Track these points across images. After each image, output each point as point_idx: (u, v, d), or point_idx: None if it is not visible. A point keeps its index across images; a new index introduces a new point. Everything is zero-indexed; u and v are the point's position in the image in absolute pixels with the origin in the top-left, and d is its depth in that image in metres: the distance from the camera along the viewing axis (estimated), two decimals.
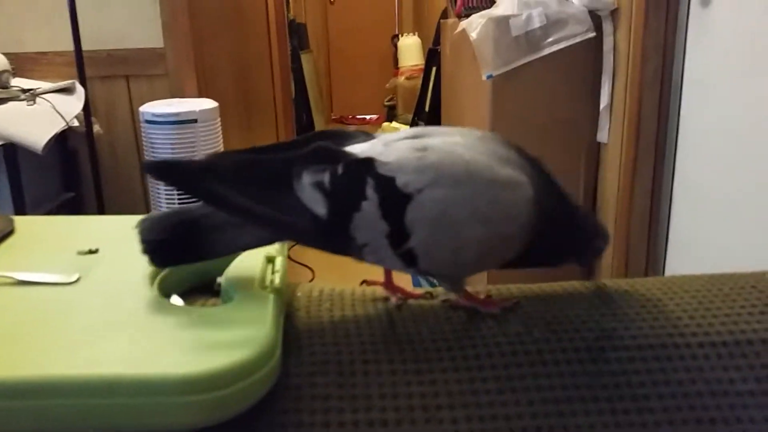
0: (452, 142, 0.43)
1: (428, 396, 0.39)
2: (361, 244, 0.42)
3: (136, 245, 0.51)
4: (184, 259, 0.44)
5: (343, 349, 0.42)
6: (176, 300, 0.46)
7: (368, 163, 0.41)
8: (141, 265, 0.47)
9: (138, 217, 0.58)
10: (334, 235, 0.41)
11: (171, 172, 0.41)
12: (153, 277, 0.46)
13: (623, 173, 1.48)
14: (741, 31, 1.13)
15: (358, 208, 0.40)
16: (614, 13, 1.54)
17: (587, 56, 1.60)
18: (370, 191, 0.40)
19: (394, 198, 0.40)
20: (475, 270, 0.45)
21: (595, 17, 1.57)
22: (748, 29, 1.11)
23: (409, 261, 0.42)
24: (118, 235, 0.53)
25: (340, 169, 0.41)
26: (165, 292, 0.46)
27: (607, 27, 1.55)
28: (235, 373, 0.34)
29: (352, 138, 0.46)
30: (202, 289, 0.50)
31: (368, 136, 0.46)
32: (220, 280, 0.47)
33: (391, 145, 0.43)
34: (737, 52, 1.14)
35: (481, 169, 0.42)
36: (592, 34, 1.57)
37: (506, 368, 0.41)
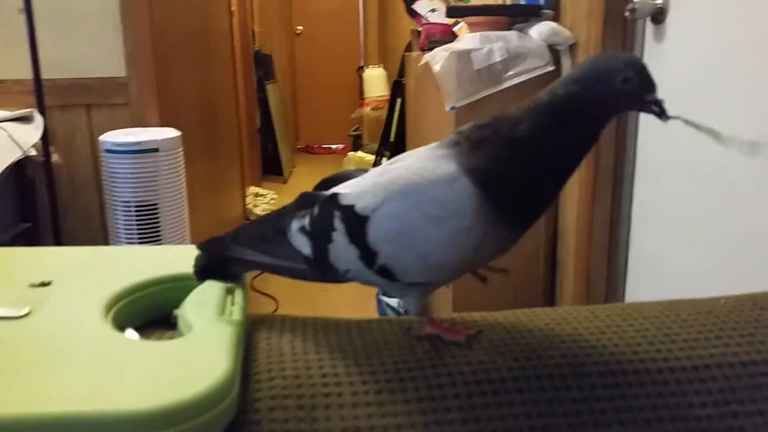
0: (410, 160, 0.46)
1: (391, 428, 0.38)
2: (343, 271, 0.46)
3: (90, 277, 0.50)
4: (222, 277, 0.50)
5: (304, 382, 0.41)
6: (131, 334, 0.45)
7: (334, 197, 0.46)
8: (95, 298, 0.46)
9: (92, 248, 0.56)
10: (322, 269, 0.46)
11: (209, 244, 0.50)
12: (107, 311, 0.45)
13: (583, 202, 1.51)
14: (693, 64, 1.18)
15: (331, 240, 0.45)
16: (572, 48, 1.58)
17: (545, 87, 1.64)
18: (337, 222, 0.45)
19: (356, 223, 0.44)
20: (458, 270, 0.45)
21: (554, 51, 1.61)
22: (700, 63, 1.16)
23: (388, 276, 0.45)
24: (72, 267, 0.52)
25: (315, 210, 0.47)
26: (119, 325, 0.44)
27: (566, 61, 1.59)
28: (192, 408, 0.33)
29: (349, 177, 0.50)
30: (158, 322, 0.48)
31: (362, 173, 0.50)
32: (176, 312, 0.46)
33: (365, 177, 0.48)
34: (690, 84, 1.18)
35: (422, 174, 0.44)
36: (551, 68, 1.61)
37: (470, 397, 0.41)
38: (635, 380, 0.43)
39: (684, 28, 1.22)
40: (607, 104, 0.44)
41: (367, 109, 4.80)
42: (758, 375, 0.43)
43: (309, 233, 0.46)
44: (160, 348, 0.40)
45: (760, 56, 0.99)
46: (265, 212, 4.17)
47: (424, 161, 0.45)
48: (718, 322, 0.47)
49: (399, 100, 3.31)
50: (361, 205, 0.44)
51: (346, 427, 0.38)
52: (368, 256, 0.44)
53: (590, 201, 1.51)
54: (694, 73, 1.18)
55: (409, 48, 3.04)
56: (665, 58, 1.28)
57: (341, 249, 0.45)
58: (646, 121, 1.37)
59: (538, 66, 1.62)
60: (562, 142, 0.43)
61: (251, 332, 0.47)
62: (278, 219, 0.49)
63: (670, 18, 1.25)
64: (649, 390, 0.42)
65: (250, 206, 3.96)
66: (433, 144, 0.47)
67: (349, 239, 0.45)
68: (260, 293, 2.76)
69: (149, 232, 1.56)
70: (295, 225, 0.47)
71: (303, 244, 0.46)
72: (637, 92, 0.44)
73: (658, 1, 1.27)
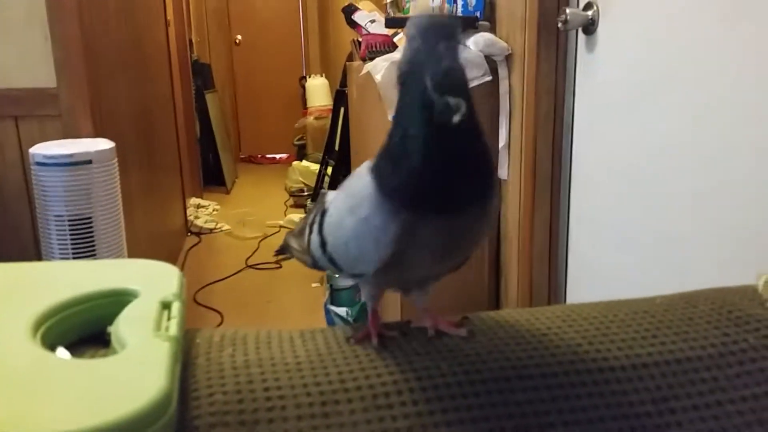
0: None
1: None
2: (317, 259, 0.51)
3: (18, 295, 0.47)
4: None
5: (246, 397, 0.40)
6: (62, 353, 0.43)
7: (324, 194, 0.53)
8: (23, 316, 0.43)
9: (21, 264, 0.53)
10: (311, 258, 0.53)
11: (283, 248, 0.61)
12: (35, 329, 0.42)
13: (523, 208, 1.55)
14: (623, 73, 1.23)
15: (311, 231, 0.52)
16: (509, 58, 1.62)
17: (485, 99, 1.67)
18: (318, 215, 0.51)
19: (322, 214, 0.50)
20: (382, 262, 0.45)
21: (491, 62, 1.64)
22: (630, 71, 1.20)
23: (335, 264, 0.49)
24: None
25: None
26: (49, 344, 0.42)
27: (503, 71, 1.63)
28: (126, 428, 0.32)
29: None
30: (91, 340, 0.46)
31: None
32: (109, 329, 0.44)
33: None
34: (619, 93, 1.23)
35: (359, 169, 0.47)
36: (489, 78, 1.64)
37: (415, 405, 0.41)
38: (577, 380, 0.43)
39: (613, 38, 1.26)
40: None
41: (310, 119, 4.78)
42: (692, 371, 0.45)
43: (308, 227, 0.53)
44: (91, 366, 0.38)
45: (686, 65, 1.04)
46: (207, 224, 4.07)
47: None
48: (654, 321, 0.49)
49: (342, 109, 3.31)
50: (328, 198, 0.51)
51: None
52: (323, 245, 0.49)
53: (530, 208, 1.54)
54: (624, 81, 1.22)
55: (350, 57, 3.05)
56: (597, 67, 1.33)
57: (314, 238, 0.51)
58: (580, 128, 1.42)
59: (476, 76, 1.65)
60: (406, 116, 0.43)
61: (189, 348, 0.45)
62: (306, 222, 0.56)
63: (600, 29, 1.30)
64: (591, 390, 0.43)
65: (191, 218, 3.87)
66: None
67: (317, 229, 0.50)
68: (204, 307, 2.70)
69: (84, 246, 1.50)
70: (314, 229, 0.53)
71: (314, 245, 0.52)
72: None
73: (588, 13, 1.32)
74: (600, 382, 0.43)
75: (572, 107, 1.43)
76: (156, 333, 0.41)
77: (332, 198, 0.50)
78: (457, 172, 0.42)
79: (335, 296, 2.53)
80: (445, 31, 0.40)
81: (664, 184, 1.10)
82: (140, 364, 0.37)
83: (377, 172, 0.44)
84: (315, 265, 0.53)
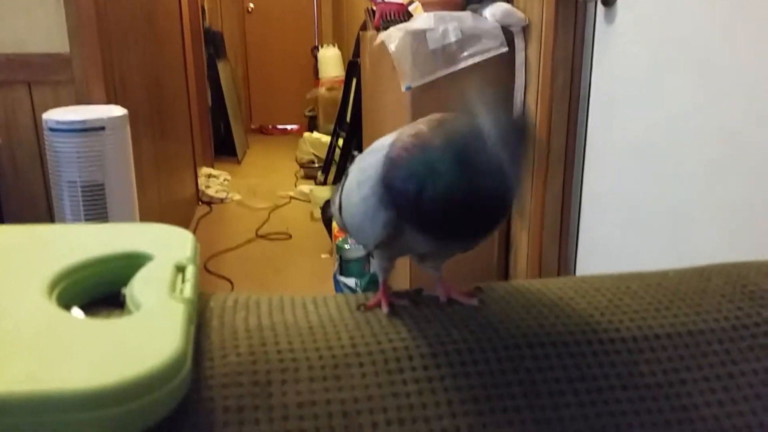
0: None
1: (347, 402, 0.38)
2: (340, 221, 0.52)
3: (33, 256, 0.48)
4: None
5: (260, 359, 0.40)
6: (77, 313, 0.43)
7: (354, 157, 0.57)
8: (38, 276, 0.43)
9: (36, 226, 0.54)
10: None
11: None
12: (51, 290, 0.43)
13: (535, 183, 1.54)
14: (641, 45, 1.20)
15: (338, 192, 0.52)
16: (525, 29, 1.59)
17: (500, 70, 1.65)
18: (344, 179, 0.51)
19: (343, 180, 0.50)
20: (379, 241, 0.46)
21: (507, 33, 1.62)
22: (648, 44, 1.18)
23: (347, 230, 0.50)
24: (14, 246, 0.49)
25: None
26: (64, 304, 0.42)
27: (519, 42, 1.61)
28: (141, 386, 0.32)
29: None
30: (105, 302, 0.47)
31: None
32: (124, 290, 0.45)
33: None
34: (637, 66, 1.21)
35: (375, 144, 0.47)
36: (505, 49, 1.62)
37: (426, 370, 0.41)
38: (588, 350, 0.43)
39: (632, 11, 1.24)
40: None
41: (322, 90, 4.76)
42: (704, 343, 0.45)
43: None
44: (107, 326, 0.38)
45: (706, 37, 1.02)
46: (218, 193, 4.09)
47: (398, 132, 0.46)
48: (667, 294, 0.48)
49: (354, 80, 3.28)
50: (350, 166, 0.50)
51: (303, 402, 0.38)
52: (340, 208, 0.50)
53: (542, 183, 1.53)
54: (643, 54, 1.20)
55: (363, 27, 3.01)
56: (615, 40, 1.31)
57: (337, 199, 0.51)
58: (595, 102, 1.40)
59: (492, 47, 1.63)
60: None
61: (203, 311, 0.46)
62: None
63: (620, 0, 1.27)
64: (602, 359, 0.43)
65: (202, 188, 3.89)
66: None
67: (339, 191, 0.50)
68: (215, 275, 2.72)
69: (96, 212, 1.51)
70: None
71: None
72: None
73: None
74: (611, 352, 0.43)
75: (589, 80, 1.41)
76: (171, 295, 0.42)
77: (354, 163, 0.50)
78: (470, 223, 0.42)
79: (344, 267, 2.55)
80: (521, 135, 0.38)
81: (678, 160, 1.09)
82: (155, 325, 0.37)
83: (388, 165, 0.42)
84: (343, 226, 0.53)
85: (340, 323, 0.45)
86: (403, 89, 1.66)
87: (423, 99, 1.66)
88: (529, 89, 1.57)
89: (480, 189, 0.39)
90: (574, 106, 1.46)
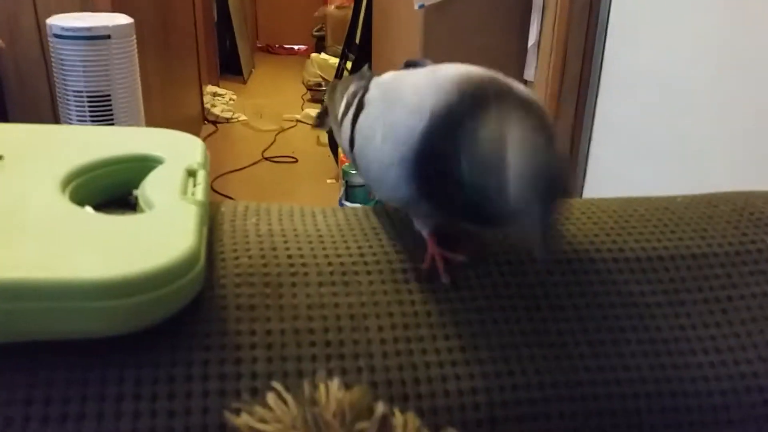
0: (426, 71, 0.44)
1: (355, 305, 0.39)
2: (343, 147, 0.49)
3: (45, 154, 0.48)
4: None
5: (270, 262, 0.41)
6: (90, 211, 0.44)
7: (371, 80, 0.48)
8: (51, 173, 0.44)
9: (47, 126, 0.54)
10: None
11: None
12: (64, 187, 0.43)
13: (548, 107, 1.52)
14: None
15: (345, 114, 0.48)
16: None
17: None
18: (355, 102, 0.47)
19: (359, 108, 0.45)
20: (387, 196, 0.45)
21: None
22: None
23: (357, 167, 0.46)
24: (25, 143, 0.49)
25: (359, 85, 0.49)
26: (77, 202, 0.43)
27: None
28: (154, 279, 0.33)
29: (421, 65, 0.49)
30: (116, 203, 0.47)
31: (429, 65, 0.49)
32: (136, 192, 0.45)
33: (411, 72, 0.46)
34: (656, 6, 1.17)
35: (408, 91, 0.42)
36: None
37: (430, 281, 0.42)
38: (591, 268, 0.44)
39: None
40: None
41: (331, 8, 4.61)
42: (706, 267, 0.45)
43: (346, 103, 0.48)
44: (122, 222, 0.39)
45: None
46: (224, 113, 4.05)
47: (424, 82, 0.41)
48: (673, 218, 0.49)
49: None
50: (369, 95, 0.45)
51: (312, 304, 0.39)
52: (351, 143, 0.46)
53: (554, 112, 1.51)
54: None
55: None
56: None
57: (344, 126, 0.47)
58: (614, 28, 1.36)
59: None
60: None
61: (214, 215, 0.46)
62: (349, 84, 0.50)
63: None
64: (604, 278, 0.44)
65: (208, 106, 3.84)
66: (462, 69, 0.41)
67: (350, 120, 0.46)
68: (221, 195, 2.73)
69: (103, 123, 1.50)
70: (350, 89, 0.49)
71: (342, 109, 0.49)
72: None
73: None
74: (613, 271, 0.44)
75: (609, 5, 1.37)
76: (182, 197, 0.42)
77: (374, 97, 0.44)
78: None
79: (350, 192, 2.55)
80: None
81: (693, 93, 1.07)
82: (169, 222, 0.38)
83: (431, 149, 0.37)
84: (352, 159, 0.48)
85: (348, 232, 0.46)
86: (415, 7, 1.61)
87: (436, 19, 1.61)
88: (547, 13, 1.52)
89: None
90: (591, 32, 1.42)
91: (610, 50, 1.38)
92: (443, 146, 0.37)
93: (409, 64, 0.50)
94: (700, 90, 1.05)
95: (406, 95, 0.41)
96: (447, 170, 0.36)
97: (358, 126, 0.45)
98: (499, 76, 0.40)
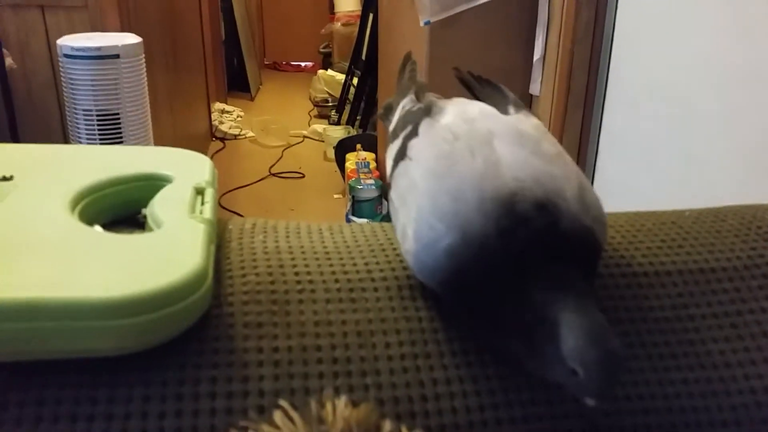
0: (482, 159, 0.39)
1: (362, 322, 0.39)
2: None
3: (54, 173, 0.48)
4: None
5: (277, 279, 0.41)
6: (99, 230, 0.44)
7: (428, 116, 0.45)
8: (60, 193, 0.44)
9: (56, 146, 0.54)
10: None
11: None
12: (73, 206, 0.44)
13: (553, 125, 1.52)
14: None
15: (391, 141, 0.47)
16: None
17: (523, 7, 1.60)
18: (405, 134, 0.46)
19: (401, 152, 0.44)
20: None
21: None
22: None
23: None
24: (35, 163, 0.50)
25: (416, 115, 0.47)
26: (86, 221, 0.43)
27: None
28: (164, 297, 0.33)
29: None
30: (124, 222, 0.48)
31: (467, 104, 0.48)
32: (145, 211, 0.45)
33: (457, 114, 0.45)
34: (665, 7, 1.17)
35: (443, 193, 0.39)
36: None
37: (438, 300, 0.42)
38: (599, 283, 0.44)
39: None
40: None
41: (337, 25, 4.65)
42: (715, 281, 0.45)
43: (395, 125, 0.47)
44: (130, 240, 0.39)
45: None
46: (232, 129, 4.08)
47: (468, 185, 0.37)
48: (681, 232, 0.49)
49: (371, 16, 3.21)
50: (412, 148, 0.43)
51: (319, 321, 0.39)
52: (389, 185, 0.45)
53: (560, 126, 1.52)
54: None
55: None
56: None
57: (388, 152, 0.46)
58: (619, 42, 1.36)
59: None
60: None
61: (222, 233, 0.47)
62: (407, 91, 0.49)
63: None
64: (612, 293, 0.44)
65: (216, 123, 3.87)
66: (514, 183, 0.36)
67: (393, 155, 0.45)
68: (229, 211, 2.75)
69: (112, 142, 1.51)
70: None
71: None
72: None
73: None
74: (621, 286, 0.44)
75: (614, 19, 1.37)
76: (191, 215, 0.42)
77: (414, 160, 0.42)
78: None
79: (357, 207, 2.56)
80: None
81: (699, 106, 1.07)
82: (177, 241, 0.38)
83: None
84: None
85: (355, 249, 0.46)
86: (421, 24, 1.62)
87: (442, 35, 1.62)
88: (552, 27, 1.53)
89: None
90: (597, 45, 1.42)
91: (615, 64, 1.39)
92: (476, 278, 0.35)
93: (469, 81, 0.49)
94: (705, 103, 1.05)
95: (439, 197, 0.38)
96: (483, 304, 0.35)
97: (395, 174, 0.43)
98: (553, 182, 0.37)
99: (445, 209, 0.36)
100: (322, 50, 5.07)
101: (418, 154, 0.42)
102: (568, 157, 0.40)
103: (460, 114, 0.44)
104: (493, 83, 0.51)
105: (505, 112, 0.44)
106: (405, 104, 0.48)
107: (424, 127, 0.44)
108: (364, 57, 3.41)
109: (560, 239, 0.35)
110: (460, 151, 0.39)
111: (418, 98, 0.49)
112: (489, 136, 0.39)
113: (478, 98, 0.49)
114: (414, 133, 0.44)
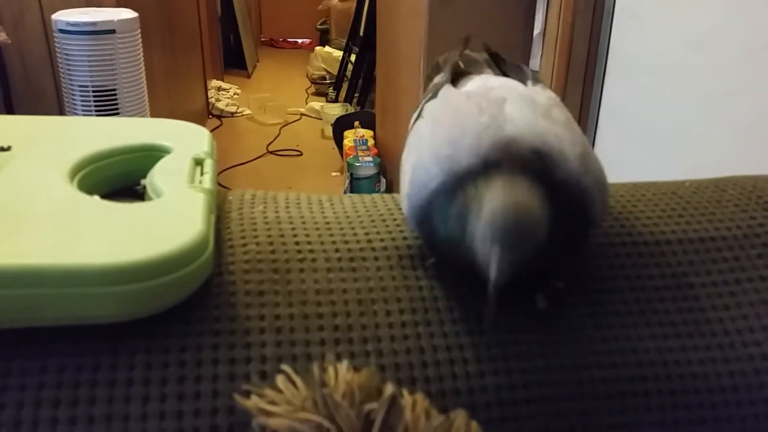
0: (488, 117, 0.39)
1: (363, 290, 0.39)
2: None
3: (53, 144, 0.48)
4: None
5: (278, 248, 0.41)
6: (98, 200, 0.44)
7: (449, 84, 0.47)
8: (59, 163, 0.44)
9: (53, 117, 0.54)
10: None
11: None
12: (72, 176, 0.43)
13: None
14: None
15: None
16: None
17: None
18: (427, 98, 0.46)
19: (419, 114, 0.45)
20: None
21: None
22: None
23: None
24: (33, 134, 0.50)
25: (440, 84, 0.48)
26: (85, 191, 0.43)
27: None
28: (166, 264, 0.33)
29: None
30: (123, 193, 0.47)
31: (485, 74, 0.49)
32: (144, 182, 0.45)
33: (476, 82, 0.47)
34: None
35: (456, 129, 0.40)
36: None
37: (438, 268, 0.42)
38: (598, 253, 0.44)
39: None
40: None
41: (334, 1, 4.60)
42: (714, 250, 0.45)
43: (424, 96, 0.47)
44: (131, 209, 0.39)
45: None
46: (229, 107, 4.05)
47: (469, 118, 0.38)
48: (681, 202, 0.49)
49: None
50: (426, 108, 0.44)
51: (320, 289, 0.39)
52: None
53: (561, 98, 1.51)
54: None
55: None
56: None
57: (411, 122, 0.46)
58: (620, 16, 1.35)
59: None
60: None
61: (222, 203, 0.47)
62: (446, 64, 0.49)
63: None
64: (612, 262, 0.44)
65: (212, 100, 3.85)
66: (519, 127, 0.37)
67: (414, 118, 0.45)
68: (226, 188, 2.75)
69: (109, 113, 1.50)
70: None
71: None
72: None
73: None
74: (621, 255, 0.44)
75: None
76: (190, 185, 0.42)
77: (426, 117, 0.43)
78: None
79: (355, 185, 2.56)
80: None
81: (699, 80, 1.06)
82: (177, 210, 0.38)
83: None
84: None
85: (355, 219, 0.46)
86: None
87: (441, 11, 1.61)
88: (552, 2, 1.51)
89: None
90: (597, 18, 1.41)
91: (615, 37, 1.38)
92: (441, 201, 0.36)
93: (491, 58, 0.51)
94: (706, 76, 1.04)
95: (439, 144, 0.38)
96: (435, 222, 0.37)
97: (409, 134, 0.45)
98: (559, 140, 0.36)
99: (443, 155, 0.37)
100: (319, 27, 5.02)
101: (432, 113, 0.43)
102: (577, 126, 0.40)
103: (482, 84, 0.45)
104: (511, 63, 0.52)
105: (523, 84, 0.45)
106: (437, 79, 0.49)
107: (443, 92, 0.45)
108: (361, 33, 3.38)
109: (551, 189, 0.34)
110: (470, 109, 0.39)
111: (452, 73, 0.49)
112: (501, 100, 0.39)
113: (504, 74, 0.50)
114: (433, 97, 0.45)
